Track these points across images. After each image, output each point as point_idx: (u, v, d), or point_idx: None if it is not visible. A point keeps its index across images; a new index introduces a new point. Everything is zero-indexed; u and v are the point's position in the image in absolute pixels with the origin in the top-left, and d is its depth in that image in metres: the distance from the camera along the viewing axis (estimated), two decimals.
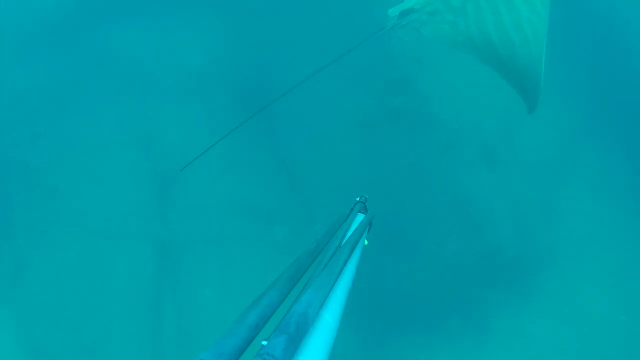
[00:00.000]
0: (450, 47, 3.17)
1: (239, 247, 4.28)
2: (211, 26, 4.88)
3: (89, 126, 4.57)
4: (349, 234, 1.56)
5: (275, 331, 0.99)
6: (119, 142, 4.51)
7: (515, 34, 2.87)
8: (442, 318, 4.19)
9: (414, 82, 4.57)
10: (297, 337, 0.99)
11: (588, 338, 4.15)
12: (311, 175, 4.39)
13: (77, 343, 4.09)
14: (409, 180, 4.34)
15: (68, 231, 4.29)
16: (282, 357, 0.91)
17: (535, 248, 4.36)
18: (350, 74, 4.56)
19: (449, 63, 4.60)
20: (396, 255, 4.23)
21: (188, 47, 4.81)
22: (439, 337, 4.15)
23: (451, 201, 4.36)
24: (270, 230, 4.31)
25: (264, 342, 0.96)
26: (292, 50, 4.62)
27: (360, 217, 1.70)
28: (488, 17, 2.92)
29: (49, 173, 4.43)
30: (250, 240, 4.30)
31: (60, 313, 4.13)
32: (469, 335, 4.18)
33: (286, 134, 4.51)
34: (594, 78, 4.76)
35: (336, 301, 1.24)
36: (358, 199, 1.76)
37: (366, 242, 1.59)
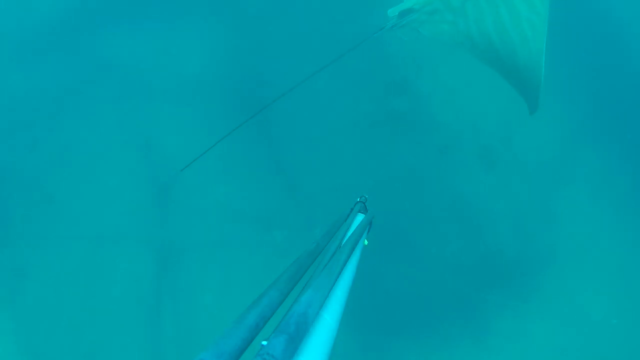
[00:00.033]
0: (450, 47, 3.17)
1: (238, 251, 4.28)
2: (209, 30, 4.88)
3: (88, 131, 4.57)
4: (349, 234, 1.56)
5: (275, 331, 0.99)
6: (118, 146, 4.51)
7: (515, 33, 2.87)
8: (442, 320, 4.19)
9: (413, 84, 4.57)
10: (297, 337, 0.99)
11: (588, 339, 4.15)
12: (310, 179, 4.39)
13: (77, 348, 4.08)
14: (408, 183, 4.34)
15: (67, 236, 4.28)
16: (282, 357, 0.91)
17: (534, 249, 4.36)
18: (348, 76, 4.56)
19: (447, 65, 4.61)
20: (396, 257, 4.22)
21: (186, 52, 4.82)
22: (439, 339, 4.15)
23: (451, 203, 4.36)
24: (270, 233, 4.31)
25: (264, 342, 0.95)
26: (290, 54, 4.63)
27: (360, 217, 1.70)
28: (487, 16, 2.92)
29: (48, 178, 4.42)
30: (250, 244, 4.30)
31: (60, 318, 4.12)
32: (469, 337, 4.18)
33: (285, 138, 4.52)
34: (592, 79, 4.76)
35: (336, 301, 1.24)
36: (358, 199, 1.76)
37: (366, 242, 1.59)
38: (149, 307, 4.17)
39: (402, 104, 4.53)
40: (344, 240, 1.49)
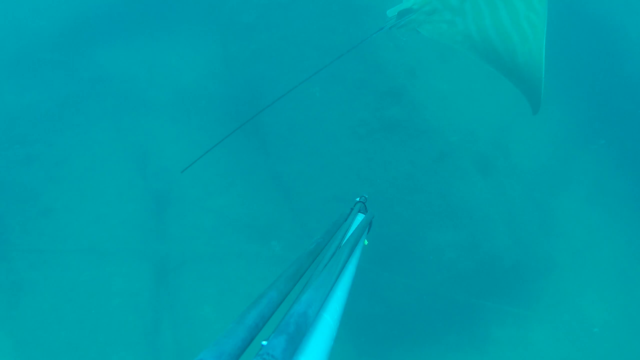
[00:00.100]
0: (448, 48, 3.17)
1: (236, 263, 4.28)
2: (204, 42, 4.91)
3: (85, 144, 4.60)
4: (349, 234, 1.56)
5: (275, 331, 0.99)
6: (115, 159, 4.53)
7: (515, 32, 2.87)
8: (442, 329, 4.17)
9: (407, 92, 4.58)
10: (297, 337, 0.99)
11: (589, 345, 4.13)
12: (307, 188, 4.39)
13: None
14: (405, 190, 4.33)
15: (64, 250, 4.28)
16: (281, 357, 0.91)
17: (533, 255, 4.35)
18: (343, 85, 4.59)
19: (441, 72, 4.63)
20: (393, 266, 4.21)
21: (181, 64, 4.85)
22: (439, 347, 4.13)
23: (448, 210, 4.35)
24: (268, 244, 4.31)
25: (264, 342, 0.95)
26: (285, 63, 4.64)
27: (360, 217, 1.70)
28: (486, 15, 2.92)
29: (44, 192, 4.43)
30: (248, 255, 4.30)
31: (57, 332, 4.10)
32: (469, 345, 4.16)
33: (281, 148, 4.52)
34: (588, 83, 4.77)
35: (336, 301, 1.24)
36: (358, 199, 1.76)
37: (366, 242, 1.58)
38: (148, 320, 4.15)
39: (398, 111, 4.54)
40: (344, 240, 1.49)
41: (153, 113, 4.68)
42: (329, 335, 1.12)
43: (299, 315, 1.04)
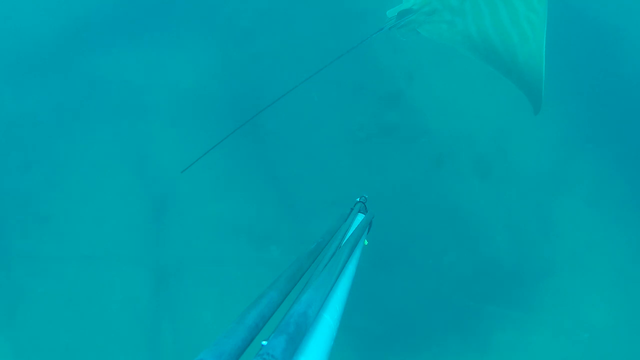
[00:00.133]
0: (447, 50, 3.17)
1: (236, 267, 4.27)
2: (201, 47, 4.91)
3: (83, 151, 4.58)
4: (349, 234, 1.56)
5: (275, 331, 0.99)
6: (113, 165, 4.51)
7: (515, 31, 2.87)
8: (442, 333, 4.16)
9: (405, 96, 4.59)
10: (297, 337, 0.99)
11: (590, 349, 4.12)
12: (305, 193, 4.39)
13: None
14: (404, 194, 4.33)
15: (63, 257, 4.26)
16: (281, 357, 0.91)
17: (533, 259, 4.34)
18: (341, 90, 4.59)
19: (439, 75, 4.63)
20: (392, 270, 4.21)
21: (179, 69, 4.84)
22: (438, 352, 4.11)
23: (447, 214, 4.35)
24: (267, 249, 4.30)
25: (264, 342, 0.95)
26: (283, 69, 4.64)
27: (360, 217, 1.70)
28: (486, 16, 2.92)
29: (43, 199, 4.42)
30: (247, 260, 4.29)
31: (57, 339, 4.08)
32: (469, 349, 4.14)
33: (279, 153, 4.52)
34: (587, 85, 4.77)
35: (336, 301, 1.24)
36: (358, 199, 1.76)
37: (366, 242, 1.59)
38: (147, 326, 4.14)
39: (396, 115, 4.55)
40: (344, 241, 1.49)
41: (151, 117, 4.67)
42: (329, 335, 1.12)
43: (299, 315, 1.04)
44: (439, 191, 4.39)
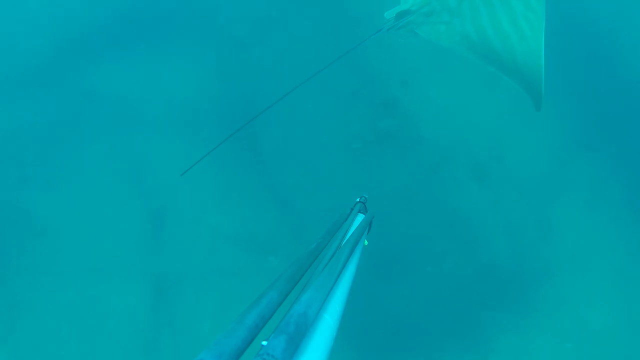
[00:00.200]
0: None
1: (234, 278, 4.26)
2: (196, 58, 4.92)
3: (79, 164, 4.57)
4: (349, 234, 1.56)
5: (275, 331, 0.99)
6: (110, 178, 4.49)
7: (513, 30, 2.88)
8: (442, 339, 4.13)
9: (401, 103, 4.59)
10: (296, 337, 0.99)
11: (590, 351, 4.11)
12: (303, 202, 4.38)
13: None
14: (401, 201, 4.32)
15: (61, 271, 4.25)
16: (281, 357, 0.91)
17: (532, 263, 4.33)
18: (336, 98, 4.60)
19: (434, 82, 4.64)
20: (392, 277, 4.20)
21: (174, 81, 4.85)
22: (439, 358, 4.09)
23: (445, 220, 4.34)
24: (265, 259, 4.30)
25: (264, 342, 0.95)
26: (277, 78, 4.65)
27: (360, 218, 1.70)
28: (484, 16, 2.93)
29: (40, 214, 4.41)
30: (246, 270, 4.28)
31: (56, 353, 4.06)
32: (470, 355, 4.12)
33: (276, 163, 4.52)
34: (584, 89, 4.77)
35: (336, 301, 1.24)
36: (358, 199, 1.76)
37: (366, 243, 1.58)
38: (147, 338, 4.13)
39: (392, 123, 4.55)
40: (344, 241, 1.49)
41: (148, 129, 4.68)
42: (329, 335, 1.12)
43: (299, 315, 1.04)
44: (437, 197, 4.38)
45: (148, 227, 4.38)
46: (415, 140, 4.51)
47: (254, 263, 4.27)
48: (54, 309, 4.18)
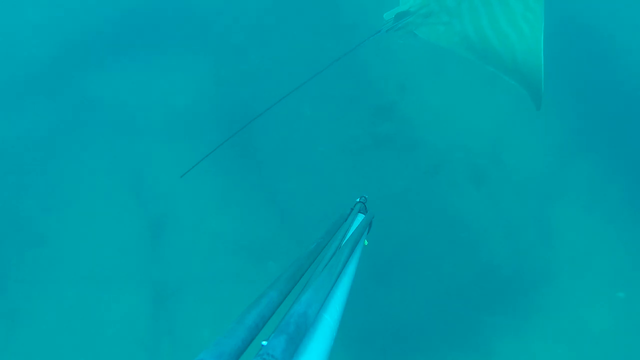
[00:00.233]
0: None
1: (234, 285, 4.25)
2: (193, 65, 4.93)
3: (77, 173, 4.56)
4: (349, 234, 1.55)
5: (275, 331, 0.98)
6: (108, 186, 4.48)
7: (512, 30, 2.88)
8: (442, 345, 4.12)
9: (398, 107, 4.60)
10: (296, 337, 0.98)
11: (592, 354, 4.09)
12: (302, 208, 4.37)
13: None
14: (400, 205, 4.31)
15: (61, 280, 4.22)
16: (281, 357, 0.91)
17: (532, 265, 4.31)
18: (334, 103, 4.60)
19: (431, 85, 4.66)
20: (391, 282, 4.19)
21: (172, 88, 4.86)
22: None
23: (444, 224, 4.32)
24: (265, 265, 4.29)
25: (264, 342, 0.95)
26: (275, 84, 4.65)
27: (360, 218, 1.69)
28: (483, 16, 2.94)
29: (39, 222, 4.39)
30: (245, 276, 4.28)
31: None
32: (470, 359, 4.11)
33: (274, 169, 4.52)
34: (583, 90, 4.78)
35: (336, 301, 1.23)
36: (358, 199, 1.76)
37: (366, 243, 1.58)
38: (147, 346, 4.11)
39: (389, 127, 4.55)
40: (344, 241, 1.49)
41: (146, 137, 4.68)
42: (329, 335, 1.12)
43: (299, 315, 1.04)
44: (435, 201, 4.38)
45: (147, 234, 4.38)
46: (413, 145, 4.52)
47: (254, 269, 4.27)
48: (54, 317, 4.17)
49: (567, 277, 4.28)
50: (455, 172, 4.45)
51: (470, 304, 4.16)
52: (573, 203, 4.47)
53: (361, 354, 4.05)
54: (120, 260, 4.27)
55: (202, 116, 4.72)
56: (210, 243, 4.34)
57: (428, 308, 4.14)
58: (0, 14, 5.19)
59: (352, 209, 1.72)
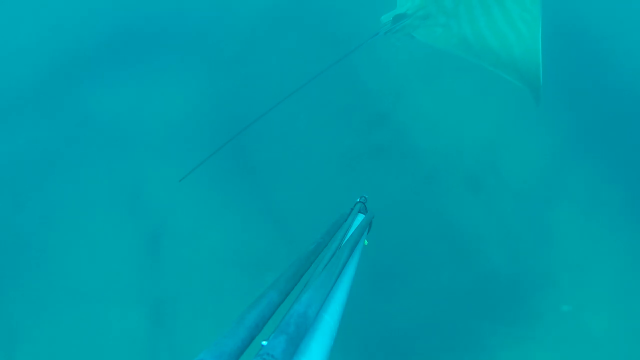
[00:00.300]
0: (444, 51, 3.19)
1: (232, 298, 4.24)
2: (188, 78, 4.94)
3: (74, 189, 4.55)
4: (349, 234, 1.55)
5: (275, 331, 0.98)
6: (105, 202, 4.48)
7: (510, 30, 2.90)
8: (441, 354, 4.10)
9: (393, 116, 4.61)
10: (296, 337, 0.98)
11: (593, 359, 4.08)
12: (298, 219, 4.36)
13: None
14: (396, 214, 4.29)
15: (59, 297, 4.21)
16: (281, 357, 0.90)
17: (531, 272, 4.30)
18: (328, 113, 4.60)
19: (425, 94, 4.67)
20: (389, 292, 4.17)
21: (167, 101, 4.86)
22: None
23: (441, 232, 4.31)
24: (262, 277, 4.28)
25: (264, 342, 0.94)
26: (270, 95, 4.67)
27: (360, 218, 1.69)
28: (480, 17, 2.95)
29: (36, 240, 4.39)
30: (243, 289, 4.26)
31: None
32: None
33: (270, 180, 4.51)
34: (579, 93, 4.79)
35: (336, 302, 1.23)
36: (358, 199, 1.76)
37: (366, 243, 1.58)
38: None
39: (384, 135, 4.55)
40: (344, 241, 1.48)
41: (142, 151, 4.68)
42: (329, 335, 1.11)
43: (299, 315, 1.03)
44: (432, 209, 4.37)
45: (145, 249, 4.37)
46: (409, 153, 4.52)
47: (252, 281, 4.26)
48: (53, 334, 4.15)
49: (567, 283, 4.27)
50: (452, 179, 4.45)
51: (470, 312, 4.14)
52: (571, 208, 4.46)
53: None
54: (118, 277, 4.26)
55: (198, 128, 4.73)
56: (207, 256, 4.33)
57: (427, 317, 4.12)
58: None
59: (352, 209, 1.72)
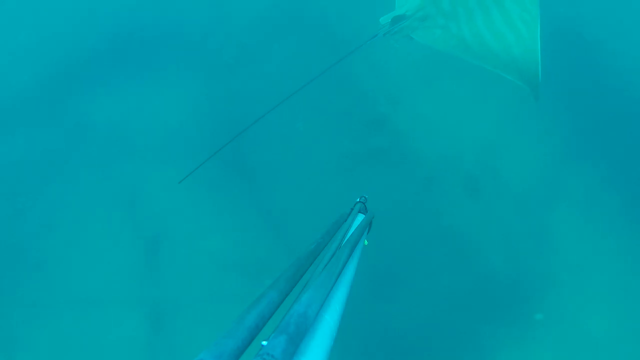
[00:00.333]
0: (443, 52, 3.20)
1: (231, 303, 4.23)
2: (186, 85, 4.95)
3: (72, 195, 4.54)
4: (349, 234, 1.55)
5: (275, 331, 0.97)
6: (104, 208, 4.47)
7: (509, 31, 2.91)
8: (441, 357, 4.09)
9: (391, 120, 4.62)
10: (296, 337, 0.97)
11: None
12: (297, 223, 4.36)
13: None
14: (395, 218, 4.28)
15: (58, 303, 4.21)
16: (281, 357, 0.90)
17: (531, 275, 4.30)
18: (326, 118, 4.60)
19: (423, 97, 4.68)
20: (389, 296, 4.16)
21: (165, 108, 4.86)
22: None
23: (440, 236, 4.30)
24: (261, 282, 4.27)
25: (264, 342, 0.94)
26: (267, 101, 4.69)
27: (360, 218, 1.69)
28: (479, 18, 2.96)
29: (34, 246, 4.38)
30: (242, 294, 4.26)
31: None
32: None
33: (268, 185, 4.51)
34: (578, 96, 4.80)
35: (336, 301, 1.23)
36: (358, 199, 1.76)
37: (366, 242, 1.58)
38: None
39: (382, 140, 4.55)
40: (344, 241, 1.48)
41: (140, 157, 4.68)
42: (329, 335, 1.11)
43: (299, 315, 1.03)
44: (431, 213, 4.37)
45: (143, 255, 4.36)
46: (407, 157, 4.52)
47: (250, 286, 4.25)
48: (52, 338, 4.14)
49: (567, 285, 4.27)
50: (449, 183, 4.45)
51: (469, 313, 4.13)
52: (570, 210, 4.46)
53: None
54: (117, 283, 4.25)
55: (195, 135, 4.73)
56: (206, 262, 4.32)
57: (427, 317, 4.11)
58: None
59: (352, 209, 1.72)
